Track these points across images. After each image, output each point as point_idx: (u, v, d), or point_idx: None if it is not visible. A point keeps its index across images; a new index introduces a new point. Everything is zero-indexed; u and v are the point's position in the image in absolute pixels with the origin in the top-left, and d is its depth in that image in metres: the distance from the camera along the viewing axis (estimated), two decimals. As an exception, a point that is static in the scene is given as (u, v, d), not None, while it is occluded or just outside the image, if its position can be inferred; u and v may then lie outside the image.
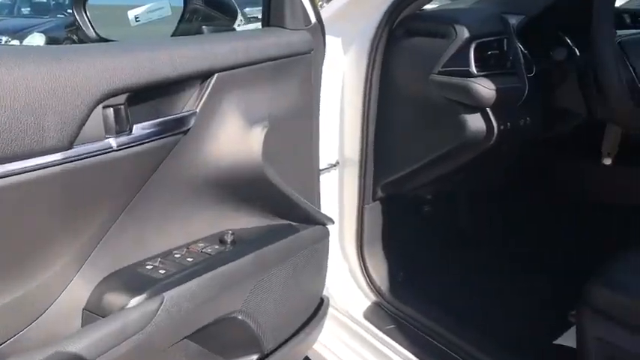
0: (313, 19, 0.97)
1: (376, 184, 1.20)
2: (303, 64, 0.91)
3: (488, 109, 1.01)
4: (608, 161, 1.33)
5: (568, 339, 1.23)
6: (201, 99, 0.71)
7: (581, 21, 1.25)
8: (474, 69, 0.98)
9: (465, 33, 0.99)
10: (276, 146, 0.82)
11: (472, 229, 1.55)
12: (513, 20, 1.08)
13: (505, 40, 1.05)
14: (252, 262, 0.79)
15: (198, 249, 0.77)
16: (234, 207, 0.81)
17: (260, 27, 0.94)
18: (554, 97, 1.13)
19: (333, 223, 0.99)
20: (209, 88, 0.72)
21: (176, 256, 0.75)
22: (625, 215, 1.36)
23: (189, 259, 0.75)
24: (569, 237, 1.45)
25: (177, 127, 0.69)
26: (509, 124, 1.03)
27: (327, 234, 0.98)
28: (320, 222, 0.96)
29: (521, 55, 1.05)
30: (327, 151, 1.18)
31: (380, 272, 1.25)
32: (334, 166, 1.21)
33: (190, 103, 0.71)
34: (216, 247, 0.78)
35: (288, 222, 0.89)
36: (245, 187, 0.78)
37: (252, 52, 0.80)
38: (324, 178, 1.15)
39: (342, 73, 1.16)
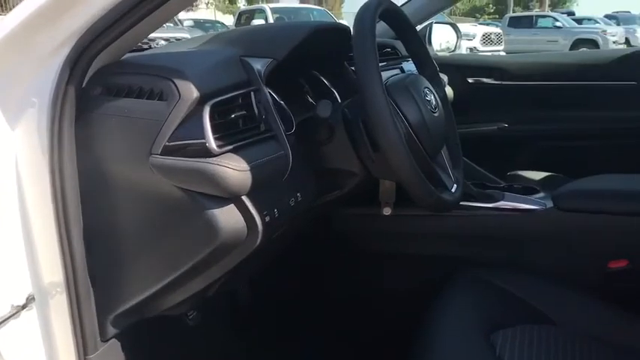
0: None
1: (103, 319, 0.78)
2: None
3: (244, 197, 0.70)
4: (387, 211, 1.17)
5: None
6: None
7: (339, 63, 1.07)
8: (212, 143, 0.66)
9: (192, 91, 0.67)
10: None
11: (256, 315, 1.27)
12: (259, 65, 0.80)
13: (253, 94, 0.76)
14: None
15: None
16: None
17: None
18: (323, 157, 0.90)
19: None
20: None
21: None
22: (410, 265, 1.24)
23: None
24: (367, 296, 1.29)
25: None
26: (276, 210, 0.74)
27: None
28: None
29: (276, 111, 0.77)
30: (10, 286, 0.73)
31: None
32: (25, 306, 0.75)
33: None
34: None
35: None
36: None
37: None
38: (10, 330, 0.70)
39: (15, 163, 0.72)
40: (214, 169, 0.65)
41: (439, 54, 1.91)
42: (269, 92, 0.79)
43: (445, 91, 1.04)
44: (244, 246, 0.72)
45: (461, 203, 1.06)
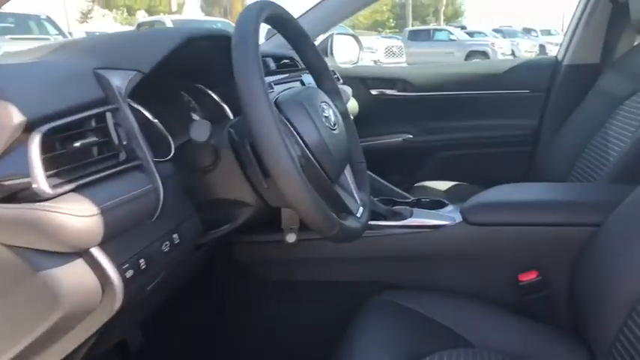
0: None
1: None
2: None
3: (94, 250, 0.55)
4: (292, 238, 1.06)
5: None
6: None
7: (229, 74, 0.94)
8: (42, 183, 0.50)
9: (12, 115, 0.50)
10: None
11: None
12: (118, 80, 0.65)
13: (109, 115, 0.61)
14: None
15: None
16: None
17: None
18: (208, 186, 0.76)
19: None
20: None
21: None
22: (319, 294, 1.15)
23: None
24: (274, 329, 1.18)
25: None
26: (142, 261, 0.59)
27: None
28: None
29: (144, 135, 0.63)
30: None
31: None
32: None
33: None
34: None
35: None
36: None
37: None
38: None
39: None
40: (46, 217, 0.49)
41: (342, 66, 1.86)
42: (138, 111, 0.64)
43: (345, 106, 0.95)
44: (101, 310, 0.57)
45: (369, 223, 0.98)
